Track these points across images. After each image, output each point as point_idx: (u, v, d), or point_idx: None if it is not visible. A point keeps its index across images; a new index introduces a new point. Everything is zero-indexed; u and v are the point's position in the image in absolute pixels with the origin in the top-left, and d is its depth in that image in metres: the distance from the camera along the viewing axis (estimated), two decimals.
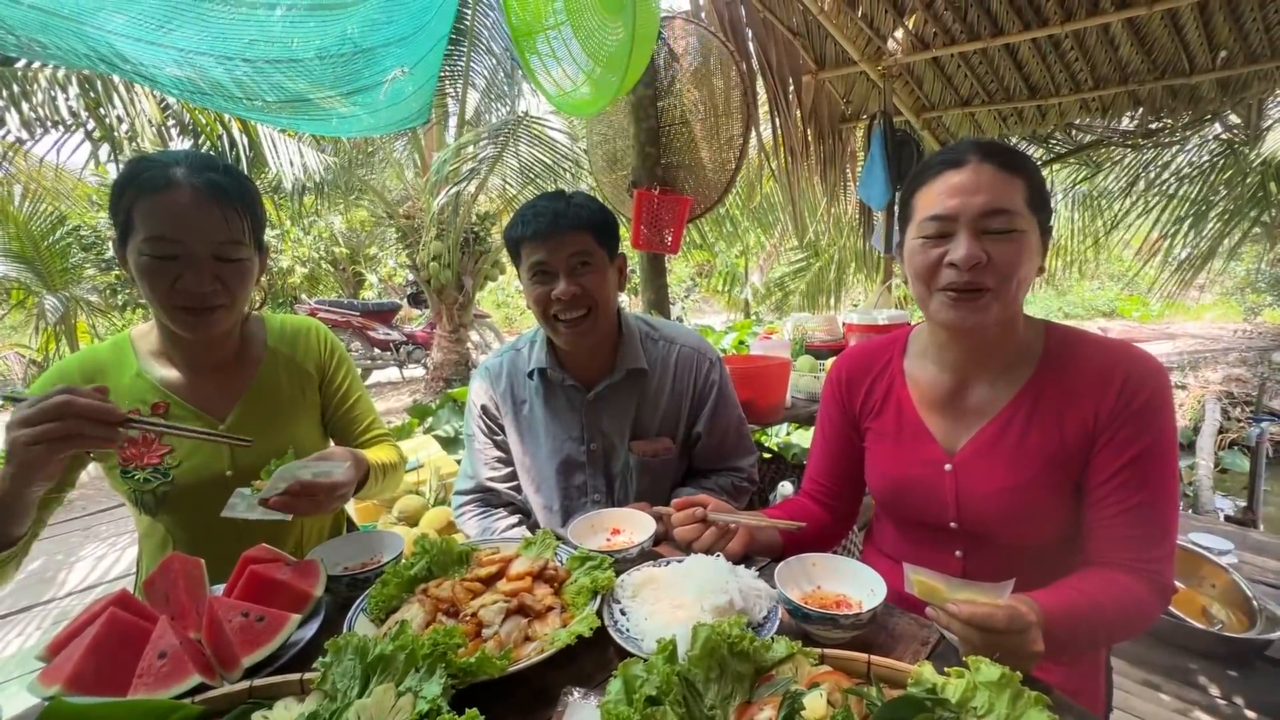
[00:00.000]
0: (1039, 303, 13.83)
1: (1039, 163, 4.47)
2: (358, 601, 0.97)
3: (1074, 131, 4.03)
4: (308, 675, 0.76)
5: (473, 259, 7.60)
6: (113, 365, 1.19)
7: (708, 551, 1.05)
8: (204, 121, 5.19)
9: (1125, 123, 3.89)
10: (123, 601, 0.83)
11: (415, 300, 9.87)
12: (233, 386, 1.26)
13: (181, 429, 1.03)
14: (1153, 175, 4.44)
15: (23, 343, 9.46)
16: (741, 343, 6.09)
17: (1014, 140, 4.25)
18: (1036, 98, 3.60)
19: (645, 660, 0.72)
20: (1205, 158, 4.28)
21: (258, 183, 1.17)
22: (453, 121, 6.83)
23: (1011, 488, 1.03)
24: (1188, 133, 3.84)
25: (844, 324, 3.23)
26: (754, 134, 3.67)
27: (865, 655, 0.76)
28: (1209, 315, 13.34)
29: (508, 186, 6.34)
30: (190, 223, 1.06)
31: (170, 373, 1.22)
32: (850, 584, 0.95)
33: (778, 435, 4.07)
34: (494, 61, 6.38)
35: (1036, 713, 0.62)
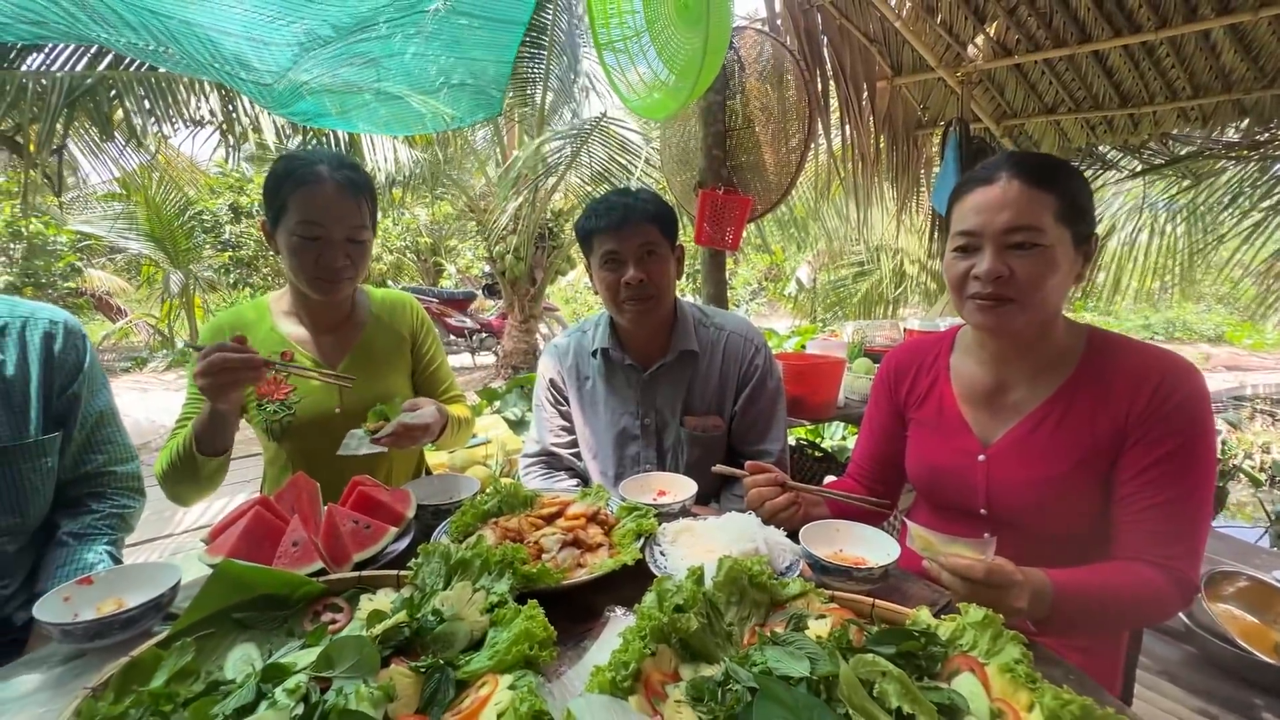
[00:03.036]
0: (1126, 319, 12.82)
1: (1132, 174, 4.27)
2: (440, 526, 1.15)
3: (1170, 142, 3.82)
4: (403, 573, 0.94)
5: (545, 254, 7.93)
6: (253, 321, 1.48)
7: (772, 515, 1.13)
8: None
9: (1229, 133, 3.66)
10: (265, 504, 1.05)
11: (490, 291, 10.33)
12: (343, 343, 1.52)
13: (302, 369, 1.37)
14: (1261, 189, 4.13)
15: (150, 312, 10.59)
16: (803, 347, 6.09)
17: (1104, 150, 4.08)
18: (1128, 106, 3.44)
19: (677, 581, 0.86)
20: None
21: None
22: (533, 120, 7.15)
23: (1039, 481, 1.09)
24: None
25: (905, 330, 3.24)
26: (824, 138, 3.73)
27: (870, 599, 0.86)
28: None
29: (582, 185, 6.59)
30: (332, 211, 1.32)
31: (297, 329, 1.49)
32: (869, 548, 1.05)
33: (833, 439, 4.09)
34: (569, 63, 6.67)
35: (1013, 647, 0.71)
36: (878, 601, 0.85)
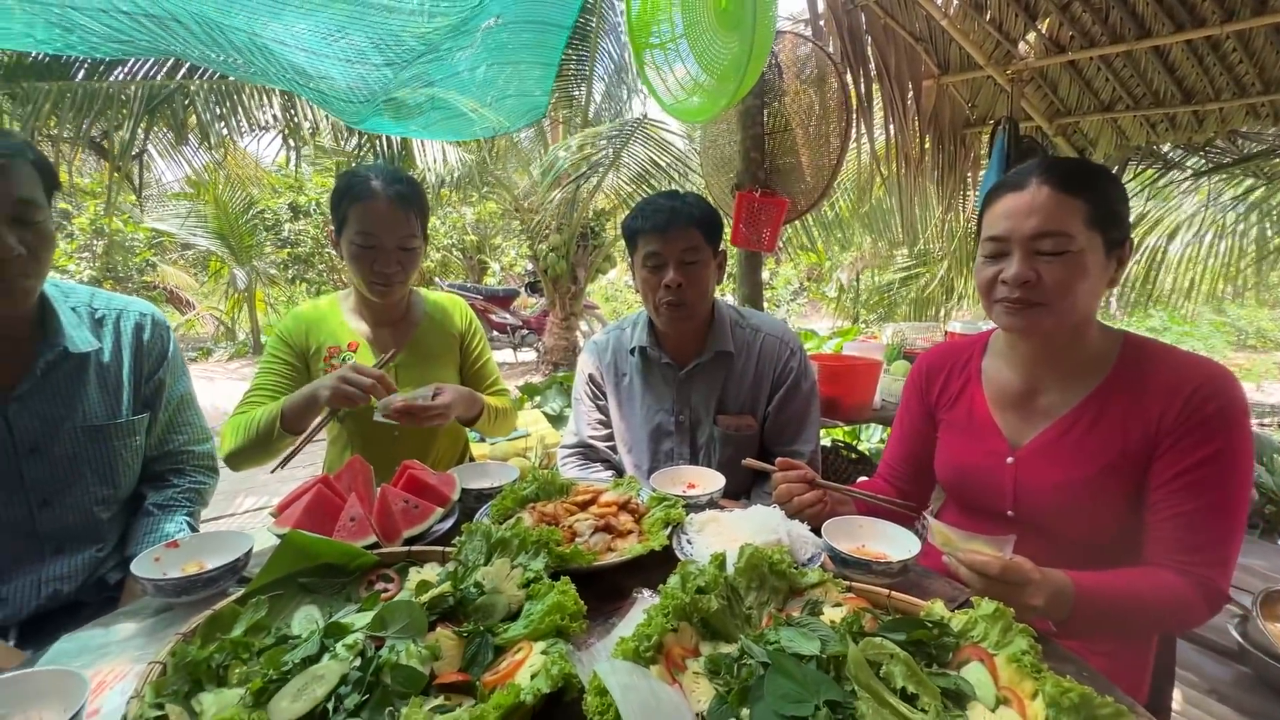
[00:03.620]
0: (1197, 325, 12.03)
1: (1196, 173, 4.08)
2: (482, 508, 1.23)
3: (1239, 140, 3.63)
4: (448, 549, 1.02)
5: (587, 252, 8.06)
6: (326, 315, 1.65)
7: (799, 511, 1.16)
8: None
9: None
10: (325, 482, 1.15)
11: (533, 289, 10.54)
12: (400, 338, 1.67)
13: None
14: None
15: (215, 306, 11.21)
16: (842, 350, 6.03)
17: (1165, 149, 3.91)
18: (1192, 103, 3.29)
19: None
20: None
21: None
22: (576, 121, 7.26)
23: (1066, 484, 1.10)
24: None
25: (947, 332, 3.19)
26: (865, 139, 3.69)
27: (887, 590, 0.89)
28: None
29: (622, 185, 6.67)
30: (385, 223, 1.48)
31: (360, 325, 1.65)
32: (891, 544, 1.07)
33: (870, 441, 4.05)
34: (612, 64, 6.75)
35: (1021, 639, 0.74)
36: (894, 593, 0.88)
